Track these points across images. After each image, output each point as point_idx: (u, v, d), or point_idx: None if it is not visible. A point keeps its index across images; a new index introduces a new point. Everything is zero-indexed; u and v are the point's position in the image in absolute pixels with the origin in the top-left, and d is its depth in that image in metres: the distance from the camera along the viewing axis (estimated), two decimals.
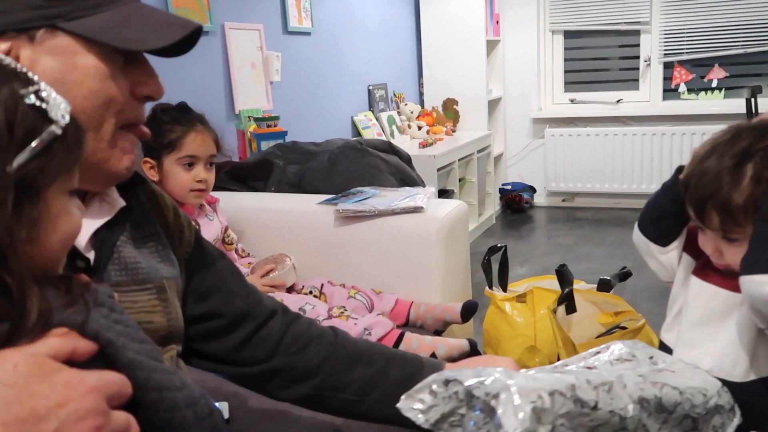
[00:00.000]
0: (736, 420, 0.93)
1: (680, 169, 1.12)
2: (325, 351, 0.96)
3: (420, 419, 0.82)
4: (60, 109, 0.58)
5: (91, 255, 0.75)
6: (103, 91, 0.71)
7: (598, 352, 0.99)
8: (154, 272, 0.81)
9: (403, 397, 0.84)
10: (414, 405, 0.83)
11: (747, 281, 0.95)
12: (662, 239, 1.17)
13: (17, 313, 0.51)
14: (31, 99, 0.56)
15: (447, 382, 0.81)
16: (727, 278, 1.07)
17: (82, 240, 0.75)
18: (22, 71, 0.58)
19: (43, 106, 0.56)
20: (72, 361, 0.54)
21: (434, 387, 0.82)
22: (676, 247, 1.17)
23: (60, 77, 0.68)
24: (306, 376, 0.96)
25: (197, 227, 1.66)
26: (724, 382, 1.04)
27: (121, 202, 0.80)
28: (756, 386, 1.05)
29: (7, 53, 0.67)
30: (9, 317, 0.51)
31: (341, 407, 0.97)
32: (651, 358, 0.99)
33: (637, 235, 1.21)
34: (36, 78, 0.58)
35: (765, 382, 1.05)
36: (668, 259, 1.18)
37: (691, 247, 1.15)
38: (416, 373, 0.95)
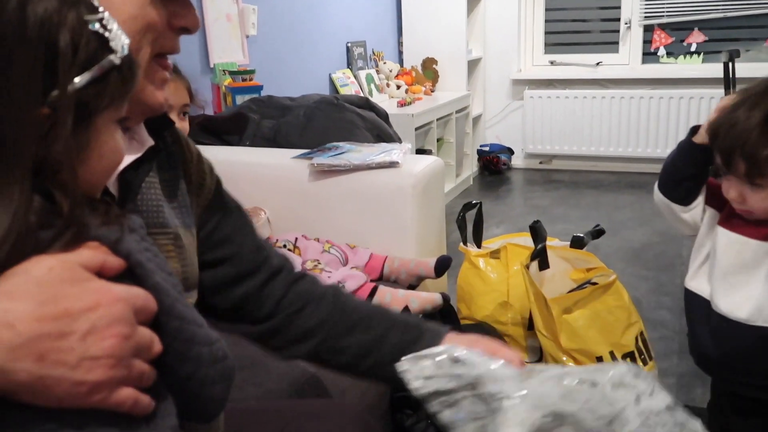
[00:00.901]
0: None
1: (694, 129, 1.17)
2: (323, 313, 0.95)
3: (415, 385, 0.82)
4: (121, 41, 0.60)
5: (113, 193, 0.75)
6: (142, 17, 0.71)
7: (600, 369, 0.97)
8: (171, 219, 0.81)
9: (405, 358, 0.84)
10: (413, 369, 0.83)
11: None
12: (684, 200, 1.22)
13: (62, 225, 0.54)
14: (96, 26, 0.58)
15: (456, 361, 0.80)
16: (755, 227, 1.12)
17: (109, 181, 0.74)
18: None
19: (106, 35, 0.59)
20: (101, 275, 0.56)
21: (439, 359, 0.81)
22: (698, 203, 1.22)
23: (101, 2, 0.67)
24: (303, 337, 0.95)
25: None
26: (765, 329, 1.10)
27: (150, 141, 0.80)
28: None
29: None
30: (52, 226, 0.54)
31: (340, 368, 0.98)
32: (651, 394, 0.95)
33: (658, 196, 1.26)
34: (101, 8, 0.60)
35: None
36: (691, 216, 1.24)
37: (713, 199, 1.20)
38: (416, 339, 0.94)
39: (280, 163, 1.98)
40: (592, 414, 0.80)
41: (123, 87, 0.61)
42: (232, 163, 2.03)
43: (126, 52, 0.60)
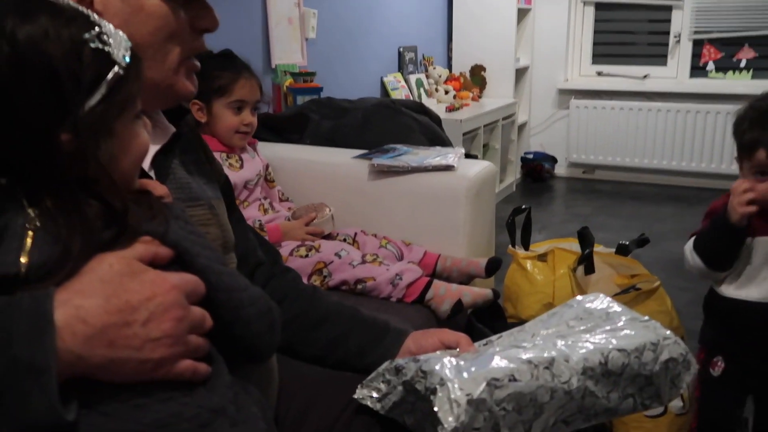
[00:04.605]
0: (693, 369, 0.92)
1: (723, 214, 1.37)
2: (298, 308, 1.04)
3: (377, 407, 0.88)
4: (122, 49, 0.62)
5: (151, 175, 0.84)
6: (167, 27, 0.79)
7: (556, 313, 1.01)
8: (202, 192, 0.90)
9: (359, 386, 0.91)
10: (370, 393, 0.89)
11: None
12: (730, 267, 1.43)
13: (119, 225, 0.61)
14: (95, 43, 0.60)
15: (398, 371, 0.85)
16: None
17: (145, 163, 0.83)
18: (82, 13, 0.61)
19: (106, 49, 0.61)
20: (154, 265, 0.63)
21: (387, 375, 0.87)
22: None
23: (128, 18, 0.76)
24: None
25: (241, 161, 1.76)
26: None
27: (172, 129, 0.89)
28: None
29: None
30: (109, 227, 0.61)
31: (312, 359, 1.05)
32: (608, 314, 0.98)
33: (699, 268, 1.44)
34: (96, 18, 0.62)
35: None
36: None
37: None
38: (379, 337, 1.03)
39: (340, 161, 2.09)
40: (529, 366, 0.81)
41: (132, 89, 0.63)
42: (294, 161, 2.16)
43: (128, 60, 0.62)
